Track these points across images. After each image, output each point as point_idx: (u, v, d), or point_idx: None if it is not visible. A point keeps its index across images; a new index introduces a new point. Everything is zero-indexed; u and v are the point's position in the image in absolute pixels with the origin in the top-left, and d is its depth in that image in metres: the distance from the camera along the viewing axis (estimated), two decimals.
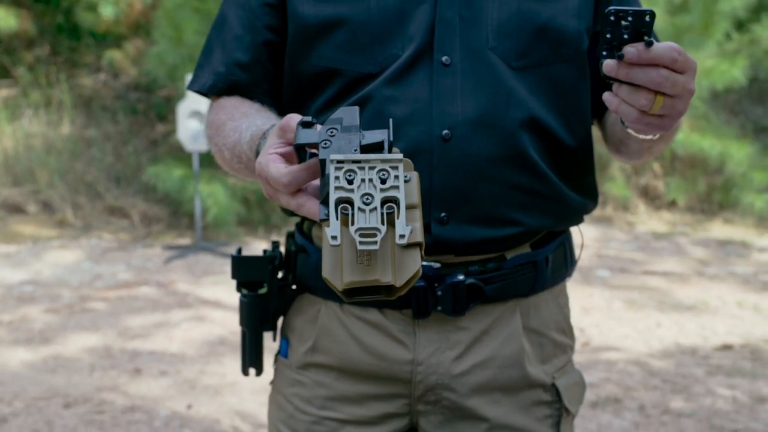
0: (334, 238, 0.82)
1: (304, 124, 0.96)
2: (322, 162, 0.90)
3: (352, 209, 0.84)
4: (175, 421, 3.17)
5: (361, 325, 1.24)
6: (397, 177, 0.86)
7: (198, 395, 3.39)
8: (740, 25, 7.05)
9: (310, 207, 0.94)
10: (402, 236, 0.83)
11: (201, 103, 5.67)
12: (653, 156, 1.27)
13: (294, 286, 1.31)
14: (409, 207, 0.87)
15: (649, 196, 7.04)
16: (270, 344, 1.42)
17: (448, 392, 1.23)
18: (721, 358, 3.83)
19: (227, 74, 1.27)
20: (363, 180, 0.85)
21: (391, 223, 0.85)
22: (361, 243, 0.82)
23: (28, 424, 3.12)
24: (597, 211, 6.87)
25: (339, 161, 0.86)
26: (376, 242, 0.82)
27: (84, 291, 4.92)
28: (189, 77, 5.69)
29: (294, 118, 0.98)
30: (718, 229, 6.57)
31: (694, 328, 4.26)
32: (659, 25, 6.56)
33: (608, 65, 0.95)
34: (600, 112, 1.33)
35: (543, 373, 1.28)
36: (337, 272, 0.86)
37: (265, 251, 1.28)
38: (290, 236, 1.32)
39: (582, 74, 1.25)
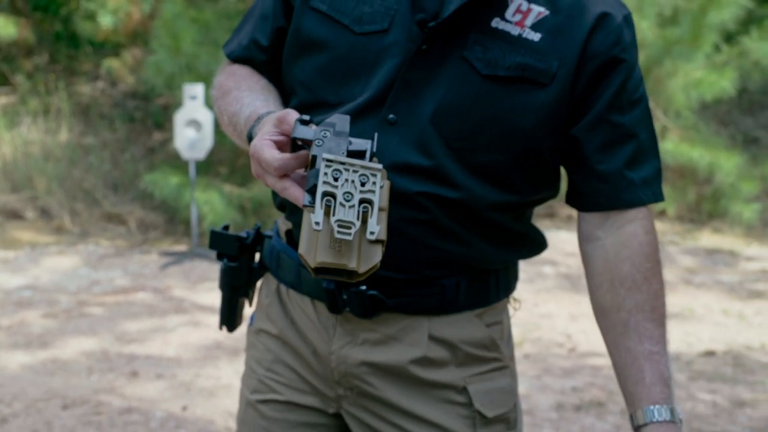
0: (317, 223, 0.97)
1: (302, 122, 1.11)
2: (314, 157, 1.05)
3: (335, 202, 0.99)
4: (170, 422, 3.25)
5: (298, 310, 1.38)
6: (374, 183, 1.01)
7: (193, 397, 3.48)
8: (729, 38, 7.16)
9: (294, 191, 1.08)
10: (372, 233, 0.98)
11: (198, 112, 5.77)
12: None
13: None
14: (380, 209, 1.03)
15: None
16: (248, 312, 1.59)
17: (359, 381, 1.34)
18: (703, 363, 3.93)
19: (247, 49, 1.39)
20: (346, 180, 1.00)
21: (363, 221, 1.00)
22: (338, 232, 0.97)
23: (28, 425, 3.20)
24: None
25: (329, 160, 1.01)
26: (350, 234, 0.97)
27: (81, 296, 5.00)
28: (187, 86, 5.81)
29: (291, 113, 1.11)
30: (707, 238, 6.67)
31: (679, 334, 4.35)
32: (649, 37, 6.67)
33: None
34: (573, 202, 1.33)
35: (453, 376, 1.32)
36: (312, 252, 1.02)
37: (246, 231, 1.47)
38: (275, 223, 1.49)
39: (522, 165, 1.25)
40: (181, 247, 6.21)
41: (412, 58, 1.22)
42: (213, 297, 4.92)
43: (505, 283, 1.37)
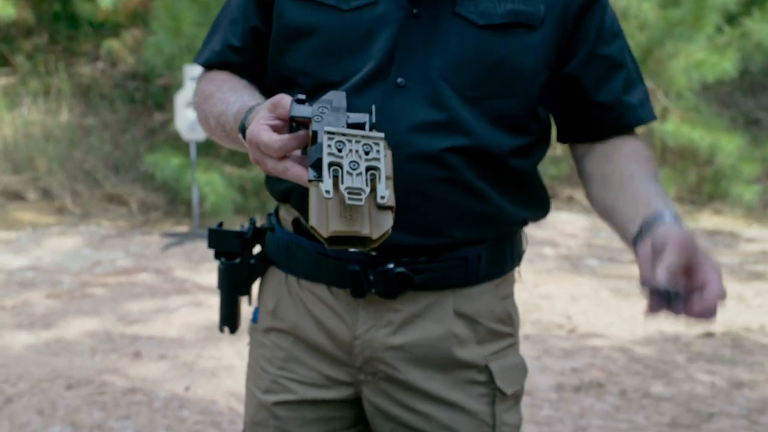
0: (327, 192, 0.97)
1: (298, 101, 1.11)
2: (314, 133, 1.06)
3: (341, 172, 0.99)
4: (173, 402, 3.28)
5: (313, 299, 1.37)
6: (378, 151, 1.02)
7: (196, 378, 3.51)
8: (731, 19, 7.14)
9: (296, 171, 1.09)
10: (382, 197, 0.99)
11: None
12: None
13: (266, 259, 1.46)
14: (387, 177, 1.02)
15: None
16: (247, 310, 1.57)
17: (383, 365, 1.35)
18: (702, 345, 3.96)
19: (221, 54, 1.40)
20: (350, 150, 1.01)
21: (372, 187, 1.00)
22: (349, 199, 0.97)
23: (33, 405, 3.23)
24: (588, 202, 6.97)
25: (331, 132, 1.02)
26: (361, 199, 0.97)
27: (84, 277, 5.03)
28: (187, 67, 5.81)
29: (285, 97, 1.12)
30: (708, 219, 6.69)
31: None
32: (651, 18, 6.66)
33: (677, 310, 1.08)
34: (573, 138, 1.40)
35: (476, 354, 1.36)
36: (323, 222, 1.01)
37: (242, 226, 1.45)
38: (269, 216, 1.47)
39: (528, 107, 1.32)
40: (183, 228, 6.23)
41: (406, 23, 1.27)
42: (214, 277, 4.93)
43: (517, 251, 1.42)
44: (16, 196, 6.84)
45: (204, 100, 1.38)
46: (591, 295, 4.71)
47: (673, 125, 6.82)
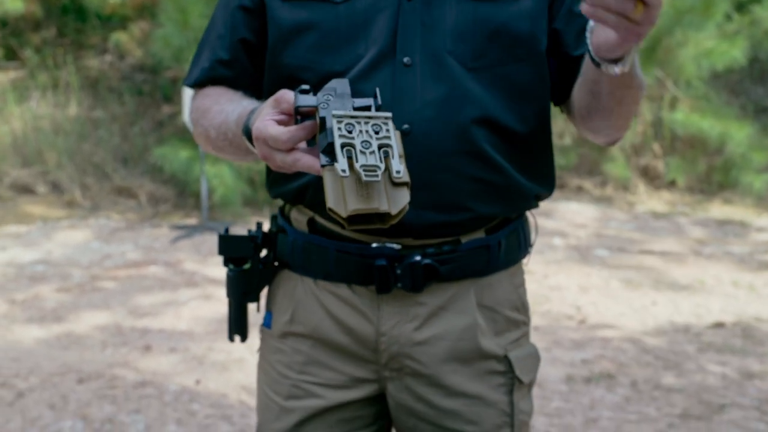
0: (344, 171, 0.97)
1: (302, 91, 1.12)
2: (322, 119, 1.07)
3: (354, 151, 1.00)
4: (184, 395, 3.29)
5: (332, 299, 1.37)
6: (388, 129, 1.03)
7: (206, 371, 3.52)
8: (740, 6, 7.10)
9: (307, 160, 1.09)
10: (398, 172, 0.99)
11: None
12: (623, 120, 1.33)
13: (276, 263, 1.44)
14: (399, 156, 1.02)
15: (649, 176, 7.12)
16: (255, 315, 1.55)
17: (410, 360, 1.36)
18: (713, 335, 3.94)
19: (210, 69, 1.41)
20: (360, 131, 1.02)
21: (386, 165, 1.00)
22: (366, 176, 0.97)
23: (44, 399, 3.25)
24: (597, 191, 6.96)
25: (339, 116, 1.03)
26: (378, 175, 0.98)
27: (94, 270, 5.04)
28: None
29: (287, 92, 1.13)
30: (718, 209, 6.66)
31: (689, 306, 4.37)
32: None
33: None
34: (564, 97, 1.41)
35: (496, 345, 1.39)
36: (341, 203, 1.01)
37: (249, 231, 1.43)
38: (273, 218, 1.46)
39: (536, 71, 1.35)
40: (192, 221, 6.23)
41: (402, 6, 1.30)
42: (223, 270, 4.94)
43: (527, 239, 1.46)
44: (26, 190, 6.85)
45: (201, 115, 1.39)
46: (601, 286, 4.70)
47: (683, 114, 6.79)
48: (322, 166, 1.03)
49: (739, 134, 6.60)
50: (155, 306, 4.36)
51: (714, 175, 7.03)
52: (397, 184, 1.02)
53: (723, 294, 4.58)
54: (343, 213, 1.01)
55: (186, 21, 6.26)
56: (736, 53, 6.62)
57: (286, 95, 1.13)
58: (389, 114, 1.04)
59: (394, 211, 1.01)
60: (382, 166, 0.98)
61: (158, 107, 7.63)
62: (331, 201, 1.01)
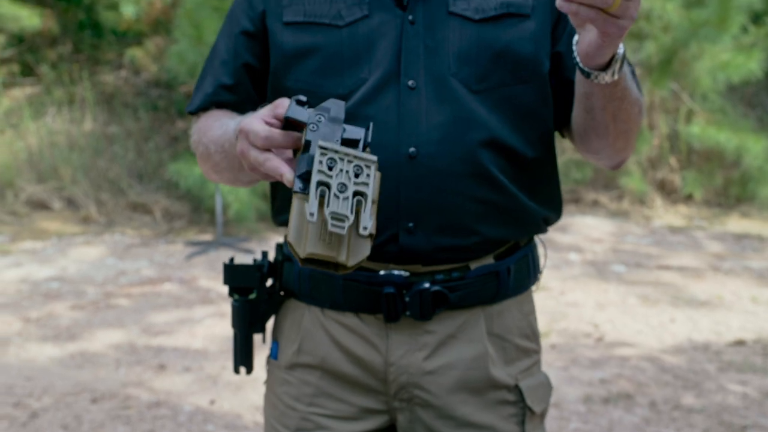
0: (311, 214, 0.96)
1: (298, 102, 1.10)
2: (308, 142, 1.05)
3: (329, 193, 0.98)
4: (198, 416, 3.27)
5: (340, 329, 1.35)
6: (368, 175, 1.01)
7: (220, 391, 3.50)
8: (757, 18, 7.05)
9: (274, 163, 1.08)
10: (365, 228, 0.99)
11: None
12: (622, 141, 1.31)
13: (282, 292, 1.43)
14: (372, 202, 1.02)
15: (666, 190, 7.07)
16: (261, 344, 1.52)
17: (419, 390, 1.34)
18: (733, 353, 3.89)
19: (213, 95, 1.40)
20: (341, 170, 1.00)
21: (357, 212, 0.99)
22: (332, 225, 0.97)
23: (58, 419, 3.23)
24: (613, 205, 6.92)
25: (324, 148, 1.01)
26: (344, 228, 0.97)
27: (108, 287, 5.04)
28: None
29: (286, 99, 1.14)
30: (735, 222, 6.60)
31: (708, 323, 4.31)
32: (675, 19, 6.58)
33: None
34: (565, 121, 1.40)
35: (506, 374, 1.37)
36: (301, 241, 1.00)
37: (254, 260, 1.40)
38: (279, 247, 1.44)
39: (541, 94, 1.34)
40: (207, 237, 6.23)
41: (405, 30, 1.30)
42: None
43: (537, 266, 1.45)
44: (42, 206, 6.87)
45: (202, 134, 1.37)
46: (618, 303, 4.65)
47: (699, 127, 6.74)
48: (294, 192, 1.02)
49: (756, 147, 6.55)
50: (170, 324, 4.35)
51: (731, 189, 6.97)
52: (361, 236, 1.01)
53: (742, 310, 4.53)
54: (300, 253, 1.00)
55: (200, 37, 6.27)
56: (753, 65, 6.58)
57: (285, 101, 1.14)
58: (374, 158, 1.02)
59: (350, 264, 1.00)
60: (351, 218, 0.97)
61: (173, 123, 7.65)
62: (291, 235, 1.00)
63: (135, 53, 7.68)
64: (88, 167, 7.04)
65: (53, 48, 8.29)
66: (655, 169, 7.06)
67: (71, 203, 6.89)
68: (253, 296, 1.39)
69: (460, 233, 1.30)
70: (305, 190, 1.01)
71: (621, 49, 1.17)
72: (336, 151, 1.00)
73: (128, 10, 7.06)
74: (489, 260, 1.35)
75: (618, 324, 4.32)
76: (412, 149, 1.27)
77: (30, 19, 7.44)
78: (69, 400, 3.40)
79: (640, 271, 5.30)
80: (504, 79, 1.31)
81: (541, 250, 1.48)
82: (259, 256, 1.43)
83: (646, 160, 6.93)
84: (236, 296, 1.39)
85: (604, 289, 4.89)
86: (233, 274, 1.38)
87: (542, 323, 3.85)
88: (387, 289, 1.29)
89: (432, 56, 1.30)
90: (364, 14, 1.32)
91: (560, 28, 1.35)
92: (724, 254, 5.71)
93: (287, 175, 1.06)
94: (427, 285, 1.30)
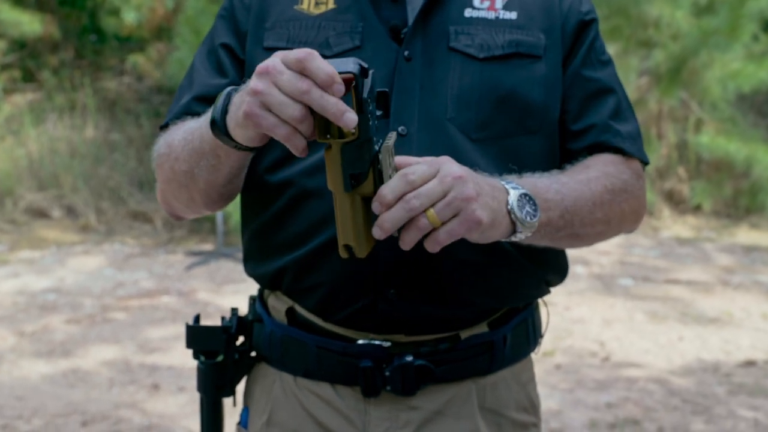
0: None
1: (363, 72, 0.96)
2: (365, 100, 0.96)
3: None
4: None
5: (314, 400, 1.21)
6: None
7: None
8: None
9: (300, 142, 0.96)
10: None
11: None
12: (601, 236, 1.22)
13: (253, 353, 1.29)
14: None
15: (674, 200, 6.96)
16: (230, 408, 1.39)
17: None
18: (743, 375, 3.78)
19: (186, 105, 1.25)
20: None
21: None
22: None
23: None
24: None
25: (390, 150, 1.00)
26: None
27: (105, 300, 4.95)
28: None
29: (313, 53, 0.96)
30: (744, 234, 6.49)
31: (717, 341, 4.20)
32: (684, 27, 6.47)
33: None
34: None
35: None
36: (360, 240, 1.03)
37: (222, 319, 1.27)
38: (252, 301, 1.31)
39: (548, 144, 1.21)
40: (207, 246, 6.14)
41: (399, 67, 1.16)
42: (238, 300, 4.84)
43: (538, 332, 1.30)
44: (41, 214, 6.80)
45: (168, 149, 1.20)
46: (625, 319, 4.54)
47: (708, 137, 6.64)
48: (346, 191, 1.00)
49: (766, 157, 6.45)
50: (166, 340, 4.25)
51: (740, 199, 6.86)
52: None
53: (752, 328, 4.41)
54: (361, 254, 1.02)
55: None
56: (763, 74, 6.49)
57: (312, 53, 0.95)
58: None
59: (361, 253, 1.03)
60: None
61: None
62: (347, 236, 1.02)
63: (137, 59, 7.61)
64: (89, 175, 6.96)
65: (55, 54, 8.22)
66: (663, 179, 6.95)
67: (71, 211, 6.81)
68: (220, 359, 1.26)
69: (449, 302, 1.16)
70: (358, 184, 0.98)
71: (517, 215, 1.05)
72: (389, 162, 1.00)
73: (129, 17, 6.99)
74: (482, 328, 1.21)
75: (625, 342, 4.21)
76: None
77: (31, 25, 7.38)
78: (59, 422, 3.31)
79: (647, 285, 5.19)
80: (508, 128, 1.17)
81: (543, 312, 1.33)
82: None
83: (654, 170, 6.82)
84: (202, 358, 1.27)
85: (610, 305, 4.78)
86: (196, 337, 1.26)
87: (547, 341, 3.74)
88: (364, 363, 1.15)
89: (428, 98, 1.16)
90: (355, 45, 1.18)
91: (567, 65, 1.23)
92: (734, 267, 5.60)
93: (350, 113, 0.92)
94: (410, 358, 1.15)
